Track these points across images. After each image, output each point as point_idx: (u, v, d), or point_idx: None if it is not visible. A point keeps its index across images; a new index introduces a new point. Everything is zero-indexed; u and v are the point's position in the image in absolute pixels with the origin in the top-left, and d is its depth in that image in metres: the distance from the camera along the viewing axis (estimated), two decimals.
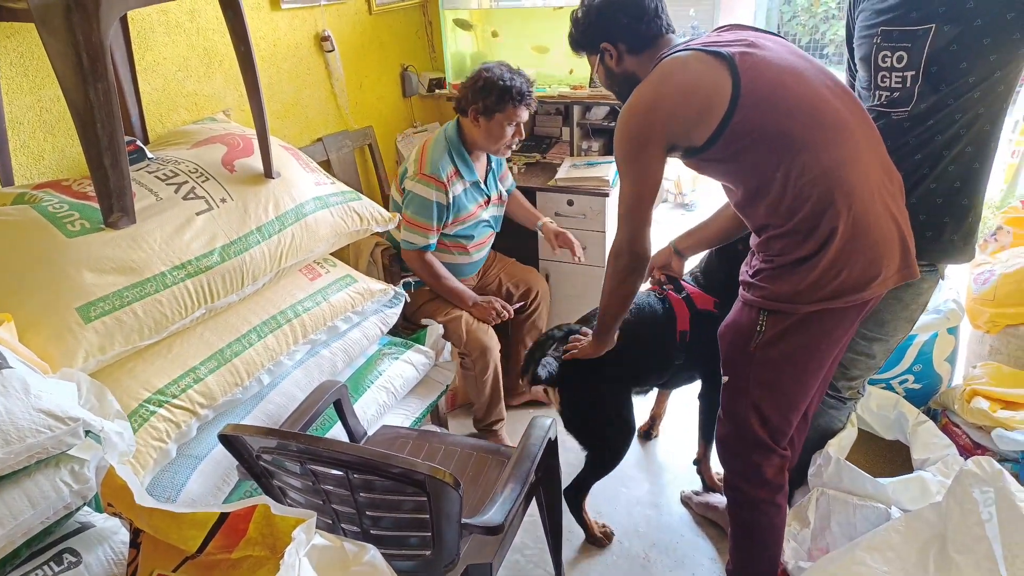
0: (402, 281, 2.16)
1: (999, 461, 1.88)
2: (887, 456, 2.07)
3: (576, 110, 2.74)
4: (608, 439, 1.93)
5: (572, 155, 2.82)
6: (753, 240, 1.43)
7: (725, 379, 1.49)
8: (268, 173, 1.70)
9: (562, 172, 2.59)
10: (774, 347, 1.40)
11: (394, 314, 2.11)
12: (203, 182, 1.60)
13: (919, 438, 1.94)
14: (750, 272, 1.42)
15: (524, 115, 2.16)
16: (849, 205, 1.27)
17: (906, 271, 1.35)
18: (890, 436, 2.06)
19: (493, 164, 2.36)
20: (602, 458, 1.95)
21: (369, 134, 2.77)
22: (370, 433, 1.89)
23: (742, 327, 1.43)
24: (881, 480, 1.76)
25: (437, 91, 3.03)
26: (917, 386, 2.11)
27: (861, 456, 2.06)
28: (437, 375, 2.28)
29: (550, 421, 1.58)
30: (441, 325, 2.26)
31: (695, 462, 2.25)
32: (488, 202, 2.34)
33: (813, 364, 1.43)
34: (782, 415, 1.47)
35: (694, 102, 1.30)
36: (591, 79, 2.65)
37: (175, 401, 1.44)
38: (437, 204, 2.17)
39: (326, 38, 2.50)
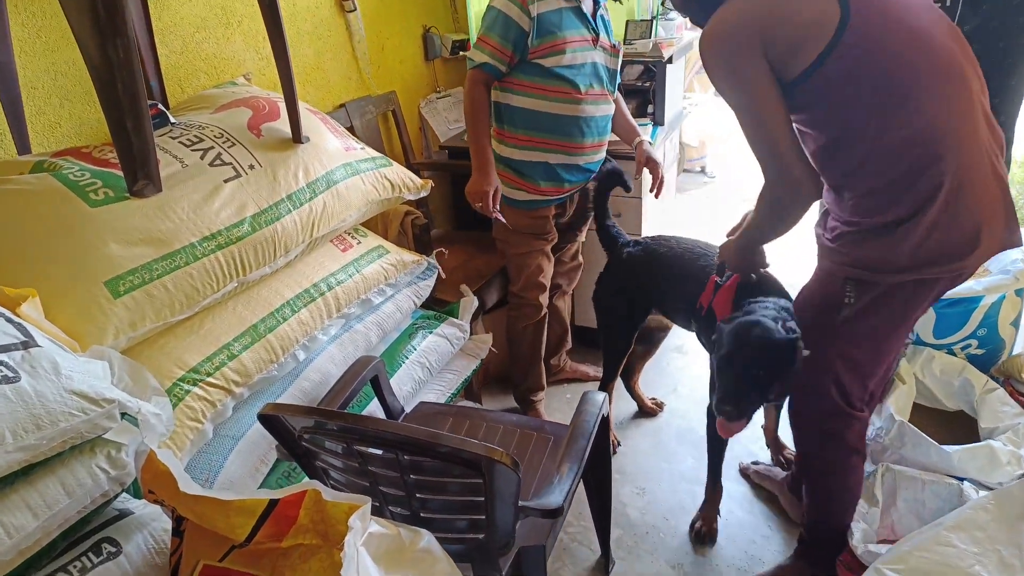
0: (435, 251, 2.06)
1: None
2: (949, 428, 1.97)
3: None
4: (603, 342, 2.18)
5: None
6: (828, 197, 1.31)
7: (806, 352, 1.37)
8: (297, 138, 1.60)
9: None
10: (861, 321, 1.28)
11: (427, 286, 2.02)
12: (229, 147, 1.50)
13: (987, 406, 1.84)
14: (828, 235, 1.30)
15: None
16: (956, 163, 1.14)
17: (1009, 238, 1.22)
18: (953, 405, 1.96)
19: (599, 4, 1.97)
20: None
21: (392, 99, 2.66)
22: (407, 410, 1.81)
23: (826, 299, 1.32)
24: (946, 447, 1.67)
25: (461, 53, 2.90)
26: (980, 351, 2.00)
27: (921, 428, 1.97)
28: (471, 349, 2.19)
29: (603, 396, 1.50)
30: (474, 298, 2.17)
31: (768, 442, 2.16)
32: (596, 40, 1.94)
33: (896, 337, 1.33)
34: (863, 384, 1.39)
35: (795, 24, 1.15)
36: (624, 37, 2.51)
37: (210, 379, 1.37)
38: (507, 18, 1.83)
39: None
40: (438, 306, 2.21)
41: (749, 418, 1.46)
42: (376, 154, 1.83)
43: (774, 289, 1.63)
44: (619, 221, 2.45)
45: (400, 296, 1.90)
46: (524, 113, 1.96)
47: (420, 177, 1.96)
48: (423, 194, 1.90)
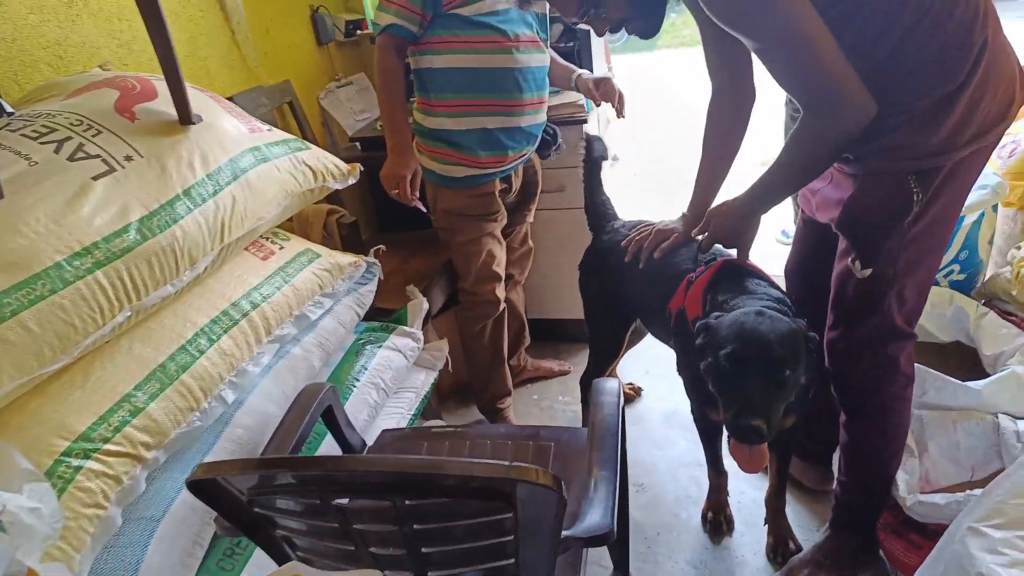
0: (373, 249, 1.74)
1: None
2: (948, 360, 1.87)
3: None
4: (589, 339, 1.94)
5: None
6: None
7: (866, 272, 1.20)
8: (185, 118, 1.24)
9: None
10: (927, 215, 1.14)
11: (370, 292, 1.70)
12: (94, 136, 1.13)
13: (985, 332, 1.74)
14: (871, 135, 1.09)
15: None
16: (988, 8, 1.04)
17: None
18: (948, 337, 1.86)
19: None
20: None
21: (287, 90, 2.30)
22: (370, 442, 1.49)
23: (893, 203, 1.14)
24: (970, 384, 1.55)
25: (358, 33, 2.58)
26: (962, 276, 1.92)
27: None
28: (427, 360, 1.89)
29: (615, 382, 1.24)
30: (423, 299, 1.86)
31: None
32: None
33: (951, 226, 1.20)
34: (922, 294, 1.24)
35: None
36: None
37: (108, 447, 1.00)
38: None
39: None
40: (381, 316, 1.89)
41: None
42: (288, 136, 1.49)
43: (762, 280, 1.39)
44: (562, 196, 2.23)
45: (340, 307, 1.57)
46: (450, 73, 1.68)
47: None
48: (351, 180, 1.58)
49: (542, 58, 1.73)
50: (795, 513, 1.70)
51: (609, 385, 1.22)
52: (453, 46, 1.65)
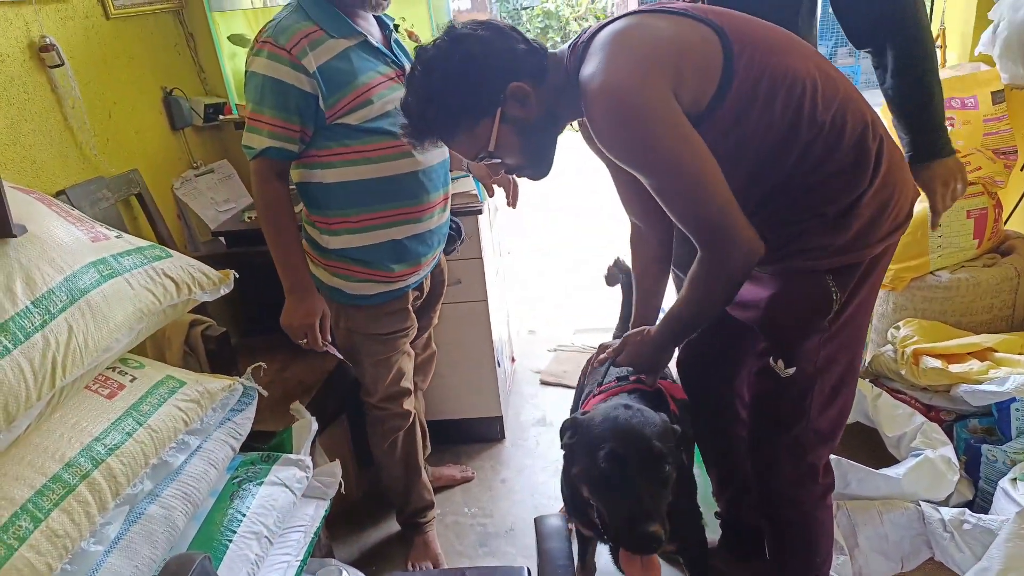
0: (251, 367, 1.47)
1: (955, 420, 1.80)
2: (852, 442, 1.89)
3: None
4: None
5: None
6: (767, 212, 1.12)
7: (789, 371, 1.17)
8: (5, 230, 0.96)
9: None
10: (844, 312, 1.14)
11: (246, 420, 1.43)
12: None
13: (882, 413, 1.78)
14: (784, 239, 1.12)
15: None
16: (873, 117, 1.10)
17: (914, 189, 1.19)
18: (849, 420, 1.88)
19: (390, 31, 1.57)
20: None
21: (135, 180, 2.00)
22: None
23: (813, 303, 1.13)
24: (887, 472, 1.55)
25: (220, 118, 2.34)
26: None
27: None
28: (317, 489, 1.62)
29: (560, 521, 1.07)
30: (312, 419, 1.61)
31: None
32: (401, 75, 1.49)
33: (867, 321, 1.22)
34: (846, 396, 1.24)
35: (687, 53, 1.02)
36: None
37: None
38: (278, 82, 1.36)
39: (48, 47, 1.72)
40: (257, 440, 1.60)
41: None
42: (142, 242, 1.23)
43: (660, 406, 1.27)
44: (459, 289, 2.09)
45: (211, 444, 1.29)
46: (347, 188, 1.47)
47: None
48: (224, 290, 1.34)
49: (443, 152, 1.60)
50: None
51: (552, 524, 1.06)
52: (346, 158, 1.46)
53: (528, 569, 1.19)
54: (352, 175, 1.46)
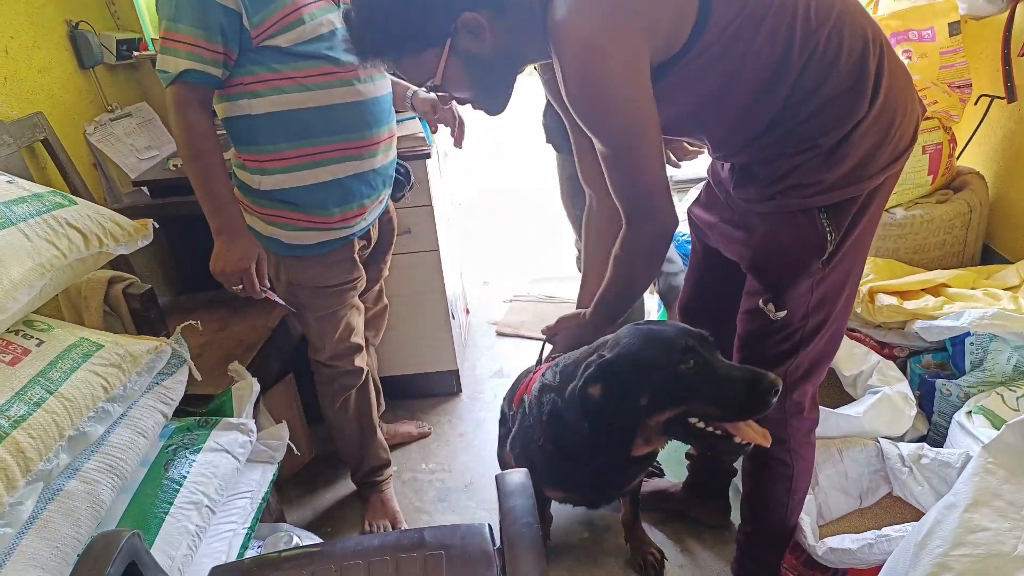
0: (180, 326, 1.35)
1: (909, 356, 1.81)
2: None
3: None
4: None
5: None
6: (759, 146, 1.06)
7: (780, 314, 1.12)
8: None
9: None
10: (838, 252, 1.08)
11: (177, 384, 1.32)
12: None
13: (839, 352, 1.77)
14: (775, 175, 1.05)
15: None
16: (875, 32, 1.01)
17: (922, 107, 1.11)
18: None
19: None
20: None
21: (40, 124, 1.80)
22: None
23: (806, 243, 1.06)
24: (846, 411, 1.54)
25: (135, 55, 2.12)
26: None
27: None
28: (262, 452, 1.53)
29: (523, 475, 1.01)
30: (253, 380, 1.50)
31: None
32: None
33: (864, 258, 1.15)
34: (836, 335, 1.19)
35: None
36: None
37: None
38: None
39: None
40: (195, 404, 1.49)
41: None
42: (43, 188, 1.08)
43: None
44: (410, 239, 1.98)
45: (138, 412, 1.18)
46: (279, 119, 1.32)
47: None
48: (142, 242, 1.20)
49: (385, 84, 1.45)
50: (697, 557, 1.60)
51: (515, 480, 0.99)
52: (276, 85, 1.30)
53: (490, 526, 1.13)
54: (284, 104, 1.31)
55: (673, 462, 1.83)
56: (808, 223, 1.05)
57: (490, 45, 1.01)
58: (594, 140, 1.04)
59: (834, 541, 1.29)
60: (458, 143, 1.73)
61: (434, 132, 1.76)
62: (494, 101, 1.11)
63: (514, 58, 1.06)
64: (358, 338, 1.63)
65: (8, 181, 1.03)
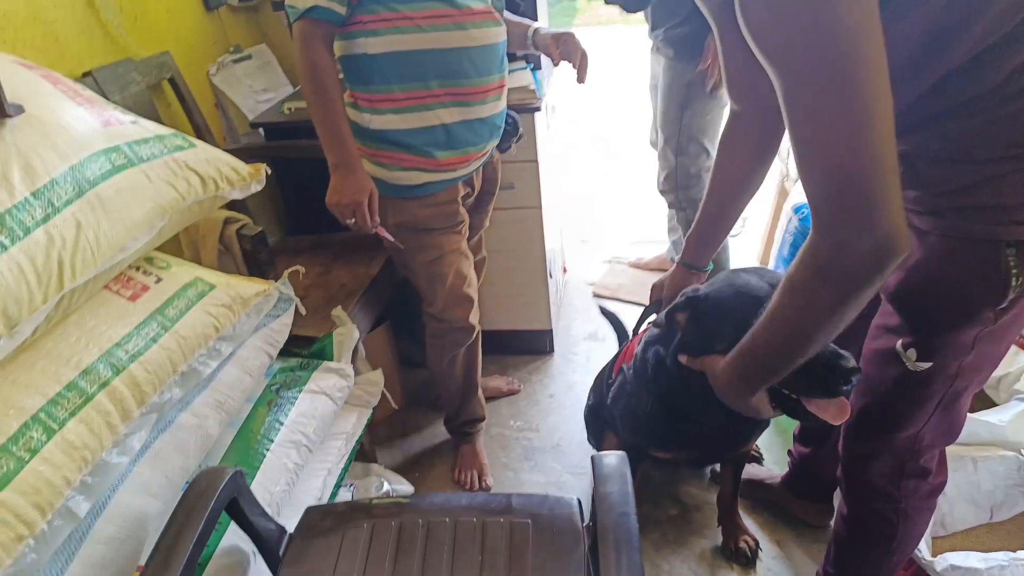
0: (288, 271, 1.38)
1: None
2: None
3: None
4: None
5: None
6: (940, 131, 0.81)
7: (922, 365, 0.91)
8: None
9: None
10: (1018, 302, 0.85)
11: (283, 327, 1.35)
12: None
13: None
14: (960, 183, 0.81)
15: None
16: None
17: None
18: None
19: None
20: None
21: (167, 64, 1.86)
22: (291, 523, 1.14)
23: (981, 283, 0.83)
24: (987, 418, 1.38)
25: None
26: None
27: None
28: (359, 397, 1.56)
29: (621, 458, 0.96)
30: (354, 327, 1.52)
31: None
32: None
33: None
34: (976, 393, 0.99)
35: None
36: None
37: None
38: None
39: None
40: (297, 346, 1.53)
41: None
42: (165, 130, 1.11)
43: None
44: (512, 194, 1.93)
45: (245, 352, 1.22)
46: (392, 59, 1.31)
47: None
48: (256, 187, 1.22)
49: (499, 31, 1.40)
50: (791, 553, 1.51)
51: (611, 464, 0.94)
52: (394, 24, 1.28)
53: (579, 500, 1.10)
54: (399, 44, 1.30)
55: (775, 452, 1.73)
56: (991, 258, 0.82)
57: None
58: (779, 83, 0.69)
59: (957, 558, 1.17)
60: (581, 78, 1.63)
61: (555, 64, 1.65)
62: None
63: None
64: (471, 289, 1.61)
65: (132, 122, 1.06)
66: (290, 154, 1.99)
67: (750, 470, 1.65)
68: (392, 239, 1.47)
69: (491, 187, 1.67)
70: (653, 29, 2.06)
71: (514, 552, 1.03)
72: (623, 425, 1.42)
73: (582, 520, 1.06)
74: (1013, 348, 1.57)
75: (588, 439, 1.78)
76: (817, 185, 0.69)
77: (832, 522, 1.33)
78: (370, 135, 1.40)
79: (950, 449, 1.36)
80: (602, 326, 2.38)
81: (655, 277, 1.42)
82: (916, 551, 1.23)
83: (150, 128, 1.07)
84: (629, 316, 1.86)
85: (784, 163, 2.29)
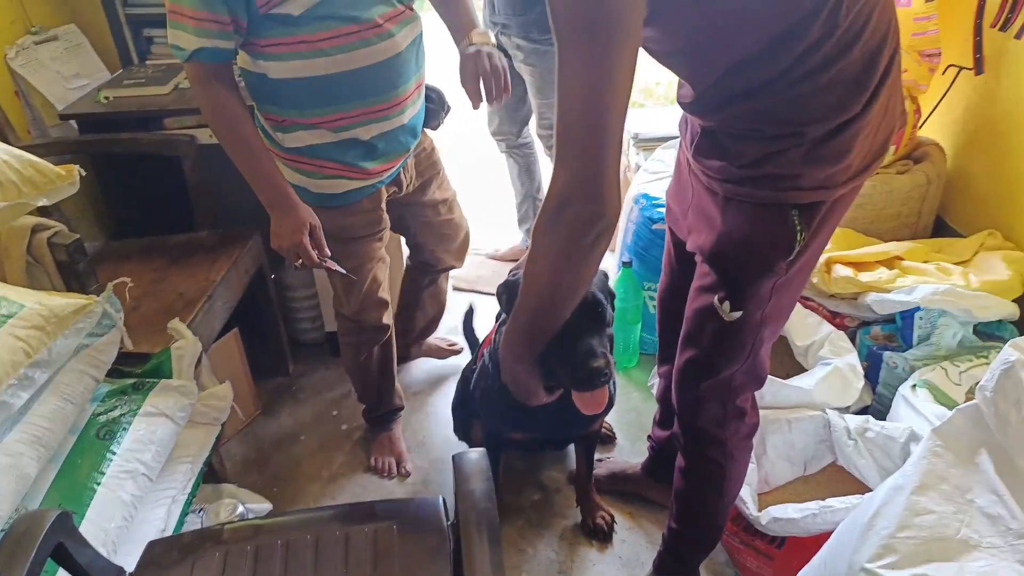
0: (113, 283, 1.25)
1: (859, 326, 1.84)
2: None
3: None
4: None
5: None
6: (738, 111, 0.94)
7: (735, 315, 1.05)
8: None
9: None
10: (803, 255, 1.00)
11: (109, 346, 1.23)
12: None
13: (793, 322, 1.77)
14: (752, 157, 0.95)
15: None
16: (895, 28, 0.91)
17: (902, 118, 1.06)
18: None
19: None
20: None
21: None
22: (130, 568, 1.05)
23: (775, 240, 0.98)
24: (797, 383, 1.56)
25: None
26: None
27: None
28: (204, 413, 1.46)
29: (481, 455, 0.98)
30: (195, 339, 1.42)
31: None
32: None
33: (815, 264, 1.09)
34: (776, 336, 1.14)
35: None
36: None
37: None
38: None
39: None
40: (129, 366, 1.40)
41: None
42: None
43: None
44: None
45: (66, 376, 1.10)
46: (297, 85, 1.24)
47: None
48: (69, 191, 1.10)
49: (412, 29, 1.32)
50: (645, 527, 1.63)
51: (472, 460, 0.96)
52: (293, 49, 1.20)
53: (444, 500, 1.11)
54: (302, 70, 1.22)
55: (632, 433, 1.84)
56: (780, 219, 0.97)
57: None
58: (558, 55, 0.80)
59: (777, 510, 1.32)
60: (475, 105, 1.46)
61: (475, 108, 1.46)
62: None
63: None
64: (384, 293, 1.59)
65: None
66: (110, 148, 1.81)
67: (608, 464, 1.74)
68: (344, 272, 1.42)
69: (432, 167, 1.63)
70: (503, 32, 2.08)
71: (379, 559, 1.02)
72: (482, 408, 1.47)
73: (447, 518, 1.07)
74: (817, 318, 1.79)
75: (455, 431, 1.79)
76: (561, 149, 0.82)
77: None
78: (286, 150, 1.34)
79: (768, 414, 1.54)
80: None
81: (511, 267, 1.46)
82: (744, 506, 1.38)
83: None
84: (489, 308, 1.89)
85: (625, 155, 2.42)
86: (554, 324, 0.98)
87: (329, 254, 1.37)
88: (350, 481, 1.79)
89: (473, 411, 1.60)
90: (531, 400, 1.12)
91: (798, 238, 0.97)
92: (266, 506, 1.62)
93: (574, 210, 0.84)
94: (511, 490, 1.72)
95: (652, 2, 0.82)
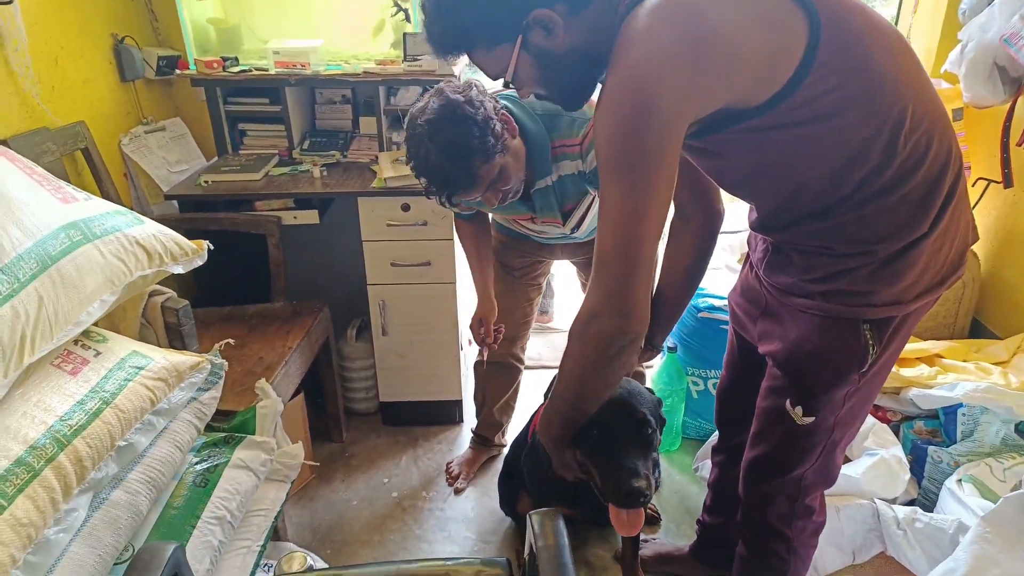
0: (218, 344, 1.39)
1: (902, 421, 1.89)
2: None
3: (381, 93, 2.18)
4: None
5: (384, 149, 2.25)
6: (806, 231, 1.00)
7: (807, 420, 1.09)
8: None
9: (387, 171, 2.01)
10: (875, 366, 1.05)
11: (212, 400, 1.35)
12: None
13: None
14: (823, 273, 0.99)
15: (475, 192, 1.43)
16: (958, 151, 0.97)
17: (974, 235, 1.07)
18: None
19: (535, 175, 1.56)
20: None
21: (82, 134, 1.84)
22: None
23: (848, 354, 1.02)
24: (846, 471, 1.61)
25: (175, 73, 2.18)
26: None
27: None
28: (278, 471, 1.55)
29: (558, 519, 1.06)
30: (277, 399, 1.54)
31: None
32: (534, 218, 1.67)
33: (887, 375, 1.13)
34: (850, 441, 1.19)
35: (755, 36, 0.84)
36: (404, 52, 2.12)
37: None
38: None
39: None
40: (217, 421, 1.52)
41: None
42: (113, 206, 1.13)
43: None
44: (428, 270, 2.04)
45: (177, 426, 1.21)
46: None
47: None
48: (198, 262, 1.25)
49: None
50: None
51: (545, 517, 1.04)
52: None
53: (508, 560, 1.18)
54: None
55: (677, 515, 1.88)
56: (853, 333, 1.01)
57: (564, 42, 0.94)
58: (603, 188, 0.89)
59: None
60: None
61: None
62: (569, 99, 1.04)
63: (592, 57, 0.95)
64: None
65: (86, 199, 1.08)
66: (206, 226, 2.00)
67: (654, 545, 1.76)
68: (485, 359, 1.97)
69: None
70: None
71: None
72: (529, 480, 1.54)
73: None
74: (871, 419, 1.85)
75: (500, 504, 1.85)
76: (599, 269, 0.91)
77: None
78: None
79: None
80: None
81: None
82: None
83: (103, 205, 1.10)
84: (536, 383, 1.99)
85: None
86: (583, 415, 1.10)
87: (491, 342, 1.86)
88: (400, 548, 1.84)
89: (519, 483, 1.66)
90: (568, 473, 1.18)
91: (870, 352, 1.01)
92: (323, 565, 1.68)
93: (601, 323, 0.93)
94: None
95: (711, 142, 0.94)
